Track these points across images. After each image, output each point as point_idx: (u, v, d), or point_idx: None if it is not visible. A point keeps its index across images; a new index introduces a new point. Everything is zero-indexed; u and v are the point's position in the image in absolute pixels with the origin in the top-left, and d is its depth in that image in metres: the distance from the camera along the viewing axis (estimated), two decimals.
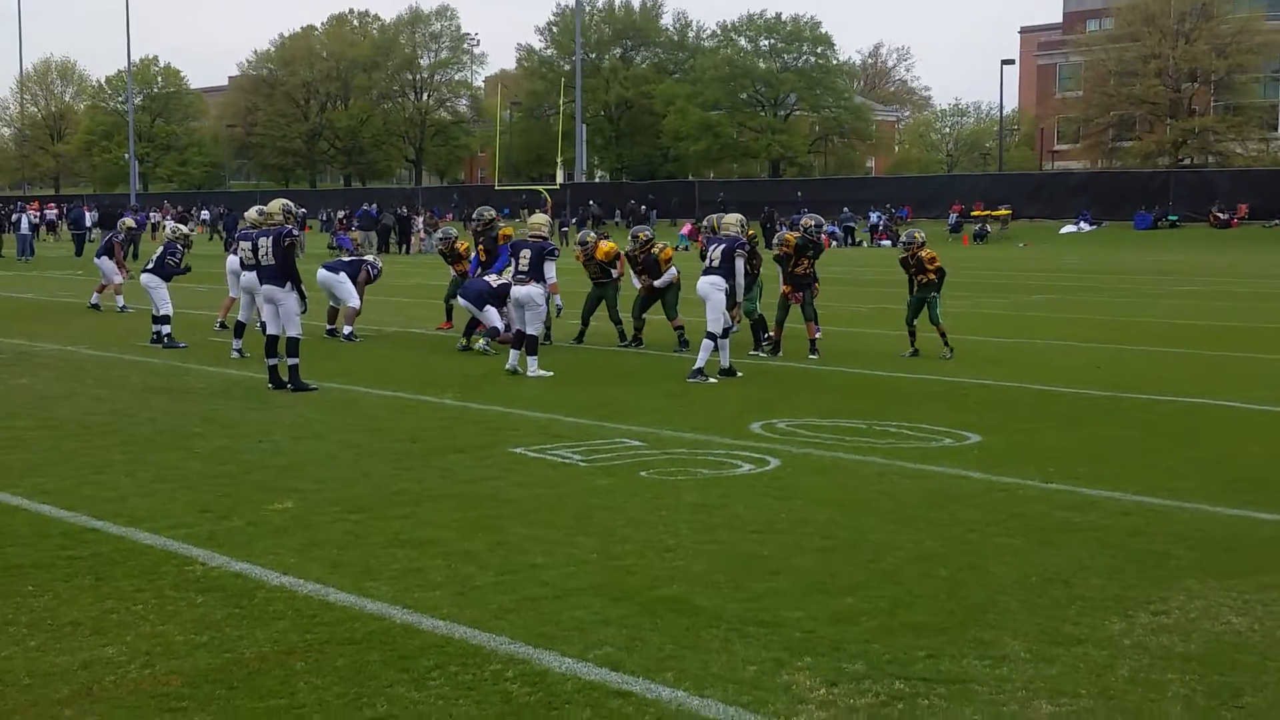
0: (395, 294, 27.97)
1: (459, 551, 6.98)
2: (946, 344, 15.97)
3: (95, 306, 22.84)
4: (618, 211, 72.29)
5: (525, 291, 14.24)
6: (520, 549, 7.04)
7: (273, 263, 13.23)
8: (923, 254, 16.16)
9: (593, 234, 18.35)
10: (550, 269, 14.29)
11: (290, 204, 13.80)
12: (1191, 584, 6.45)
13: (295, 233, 13.42)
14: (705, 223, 17.19)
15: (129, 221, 26.42)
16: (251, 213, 15.96)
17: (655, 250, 16.91)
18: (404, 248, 51.77)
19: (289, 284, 13.17)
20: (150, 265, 17.85)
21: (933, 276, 16.11)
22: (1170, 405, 12.43)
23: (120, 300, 22.44)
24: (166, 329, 17.04)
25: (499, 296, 15.85)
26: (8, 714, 4.81)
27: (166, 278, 17.50)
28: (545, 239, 14.65)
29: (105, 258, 22.64)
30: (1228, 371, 14.97)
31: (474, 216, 18.64)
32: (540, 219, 15.16)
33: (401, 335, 18.99)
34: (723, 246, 14.22)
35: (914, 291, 16.28)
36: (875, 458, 9.67)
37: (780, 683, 5.12)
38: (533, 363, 14.15)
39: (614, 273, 17.27)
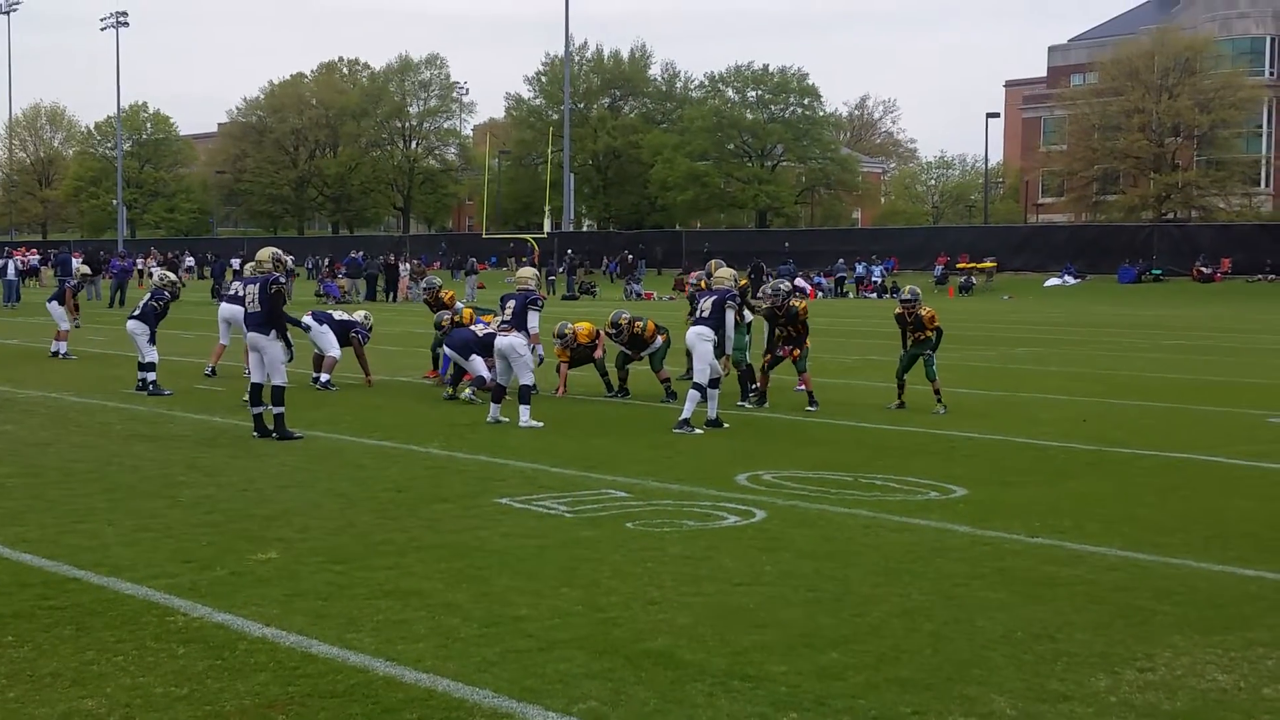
0: (382, 342, 27.93)
1: (443, 603, 6.94)
2: (940, 400, 15.87)
3: (55, 354, 22.66)
4: (605, 259, 72.48)
5: (508, 342, 14.28)
6: (505, 600, 7.00)
7: (258, 309, 13.22)
8: (922, 312, 16.09)
9: (570, 326, 17.36)
10: (534, 319, 14.33)
11: (279, 252, 13.84)
12: (1177, 640, 6.44)
13: (281, 280, 13.42)
14: (694, 277, 17.15)
15: (83, 268, 26.50)
16: (263, 254, 16.26)
17: (638, 330, 16.89)
18: (391, 295, 51.80)
19: (274, 332, 13.15)
20: (136, 312, 17.79)
21: (930, 334, 16.06)
22: (1155, 460, 12.45)
23: (62, 346, 22.55)
24: (151, 376, 17.00)
25: (485, 346, 15.85)
26: None
27: (151, 325, 17.44)
28: (530, 290, 14.65)
29: (55, 303, 22.77)
30: (1212, 426, 15.01)
31: (424, 286, 19.69)
32: (527, 272, 15.15)
33: (387, 383, 18.96)
34: (713, 299, 14.29)
35: (907, 346, 16.24)
36: (861, 510, 9.66)
37: None
38: (524, 412, 14.14)
39: (596, 355, 17.17)
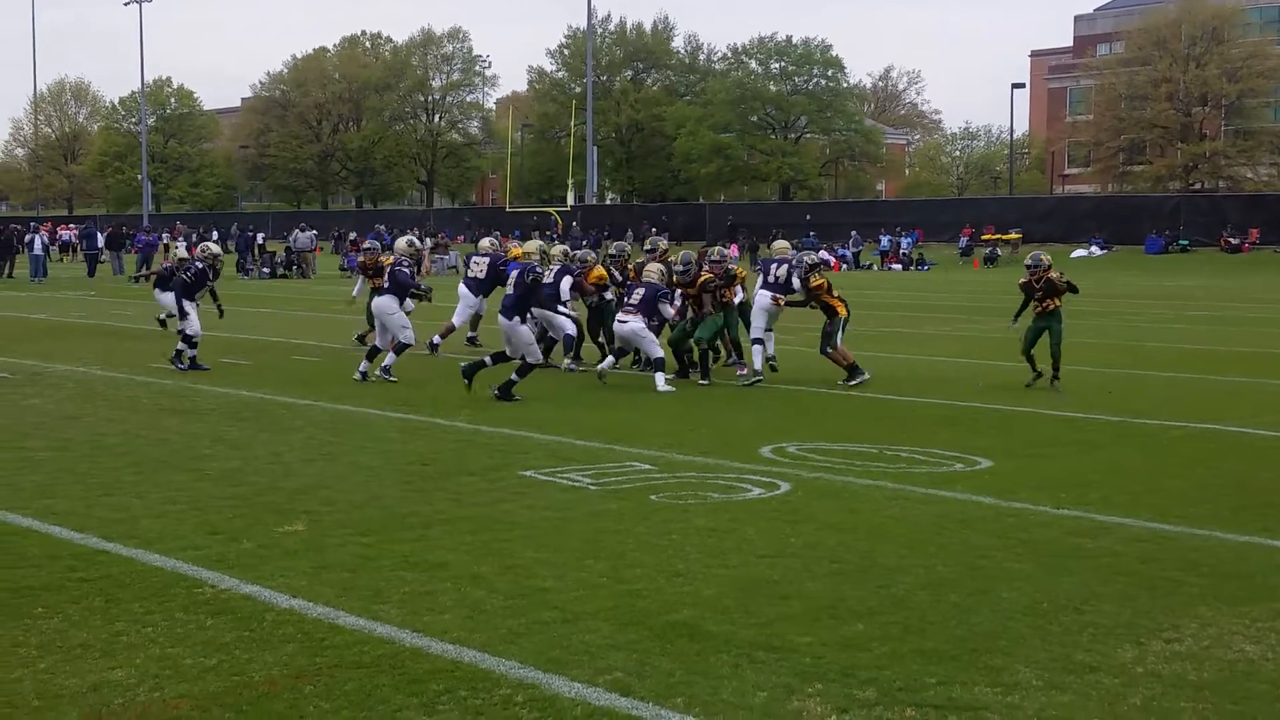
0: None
1: (469, 575, 6.97)
2: (1057, 378, 15.30)
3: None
4: (630, 233, 72.39)
5: (630, 329, 15.39)
6: (530, 573, 7.03)
7: (510, 293, 14.32)
8: (1054, 275, 15.48)
9: (591, 254, 18.49)
10: (565, 286, 15.83)
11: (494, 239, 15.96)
12: (1204, 611, 6.42)
13: (539, 270, 14.67)
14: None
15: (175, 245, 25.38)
16: (401, 243, 17.31)
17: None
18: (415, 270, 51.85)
19: (517, 318, 14.12)
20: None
21: (1059, 302, 15.49)
22: (1182, 430, 12.39)
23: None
24: (185, 349, 16.73)
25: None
26: None
27: (179, 295, 17.11)
28: (533, 265, 15.03)
29: (158, 290, 22.33)
30: (1239, 397, 14.93)
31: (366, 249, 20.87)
32: (530, 245, 16.32)
33: (412, 357, 18.97)
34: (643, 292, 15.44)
35: (1033, 318, 15.64)
36: (886, 482, 9.65)
37: (790, 709, 5.10)
38: (660, 379, 15.01)
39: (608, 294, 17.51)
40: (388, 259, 19.60)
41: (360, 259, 20.86)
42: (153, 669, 5.49)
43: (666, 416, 13.10)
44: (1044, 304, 15.54)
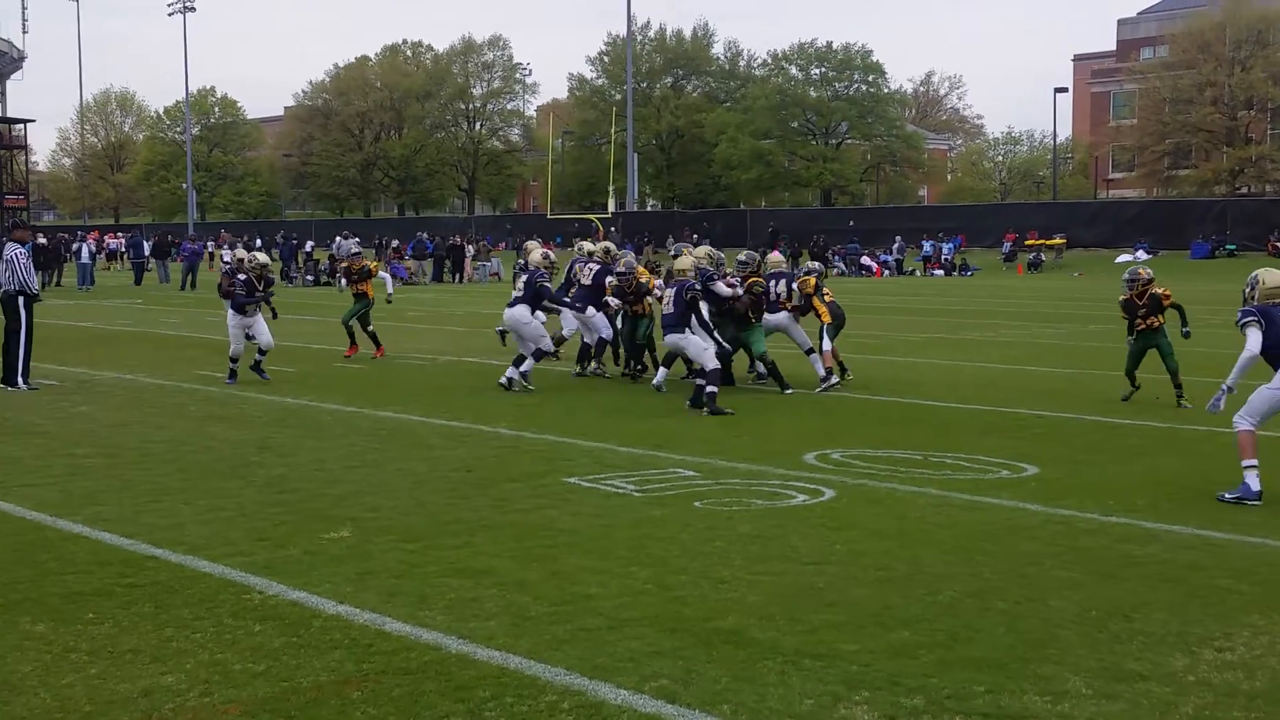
0: (448, 322, 28.14)
1: (514, 581, 6.98)
2: (1181, 395, 14.30)
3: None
4: (670, 239, 72.40)
5: (674, 340, 14.70)
6: (575, 579, 7.03)
7: (671, 311, 14.41)
8: (1158, 290, 14.35)
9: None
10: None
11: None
12: (1256, 620, 6.35)
13: (696, 288, 14.54)
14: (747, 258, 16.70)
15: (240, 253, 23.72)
16: (535, 255, 16.55)
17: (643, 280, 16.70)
18: (457, 277, 52.04)
19: (686, 330, 14.38)
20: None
21: (1163, 320, 14.49)
22: (1230, 437, 12.22)
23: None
24: (233, 364, 16.31)
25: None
26: None
27: (239, 308, 16.50)
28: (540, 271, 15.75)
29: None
30: None
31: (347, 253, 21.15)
32: (535, 256, 16.39)
33: (455, 364, 19.07)
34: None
35: (1136, 337, 14.59)
36: (931, 489, 9.60)
37: (837, 717, 5.08)
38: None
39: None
40: (374, 264, 20.14)
41: (345, 263, 20.61)
42: (202, 674, 5.53)
43: (709, 423, 13.08)
44: (1147, 321, 14.48)
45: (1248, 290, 9.78)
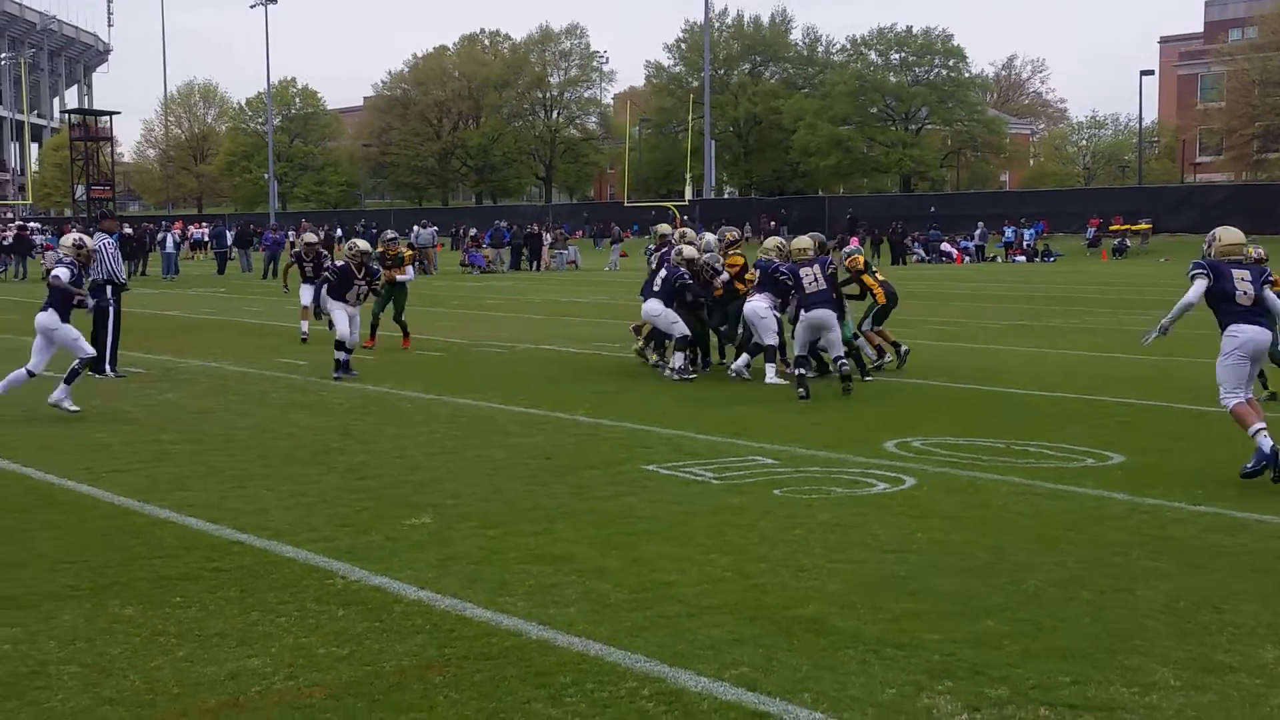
0: (525, 310, 28.27)
1: (593, 568, 6.99)
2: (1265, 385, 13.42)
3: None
4: (748, 226, 72.23)
5: (750, 307, 14.93)
6: (654, 566, 7.03)
7: (823, 288, 14.10)
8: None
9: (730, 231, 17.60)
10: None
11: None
12: None
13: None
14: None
15: (309, 237, 22.64)
16: (689, 251, 15.91)
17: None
18: (534, 265, 52.27)
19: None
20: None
21: None
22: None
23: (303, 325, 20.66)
24: (339, 355, 15.55)
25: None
26: None
27: (337, 297, 15.81)
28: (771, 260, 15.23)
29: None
30: None
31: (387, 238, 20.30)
32: (689, 251, 15.91)
33: (533, 352, 19.15)
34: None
35: None
36: (1014, 477, 9.49)
37: (920, 706, 5.03)
38: (770, 370, 14.94)
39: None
40: (409, 252, 20.00)
41: (379, 249, 19.65)
42: (287, 658, 5.59)
43: (788, 410, 13.02)
44: None
45: (1205, 246, 9.92)
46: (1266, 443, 9.11)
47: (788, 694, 5.15)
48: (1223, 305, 9.58)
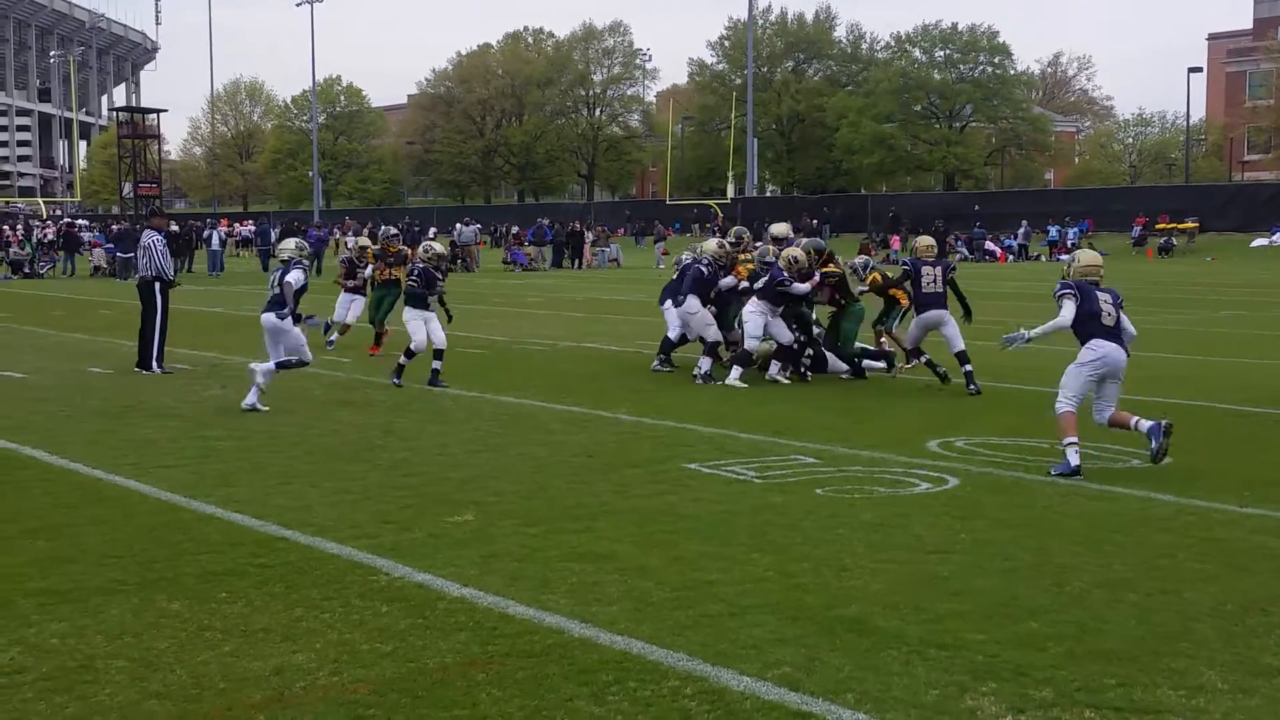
0: (567, 308, 28.31)
1: (635, 566, 7.00)
2: None
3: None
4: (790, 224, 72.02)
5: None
6: (696, 565, 7.03)
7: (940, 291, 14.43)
8: None
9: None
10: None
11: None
12: None
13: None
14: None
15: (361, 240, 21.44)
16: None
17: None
18: (576, 263, 52.35)
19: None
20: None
21: None
22: None
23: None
24: (435, 364, 14.72)
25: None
26: (205, 717, 4.97)
27: (419, 305, 14.75)
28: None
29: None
30: None
31: (384, 236, 19.39)
32: (710, 245, 15.96)
33: (574, 350, 19.17)
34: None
35: None
36: (1059, 478, 9.42)
37: (965, 708, 5.01)
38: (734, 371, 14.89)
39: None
40: (411, 251, 18.22)
41: (379, 245, 18.79)
42: (331, 654, 5.63)
43: (830, 410, 12.99)
44: None
45: (1066, 267, 10.37)
46: (1075, 459, 9.58)
47: (830, 694, 5.14)
48: (1088, 324, 10.02)
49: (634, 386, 14.72)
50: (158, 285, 16.36)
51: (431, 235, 54.38)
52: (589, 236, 54.97)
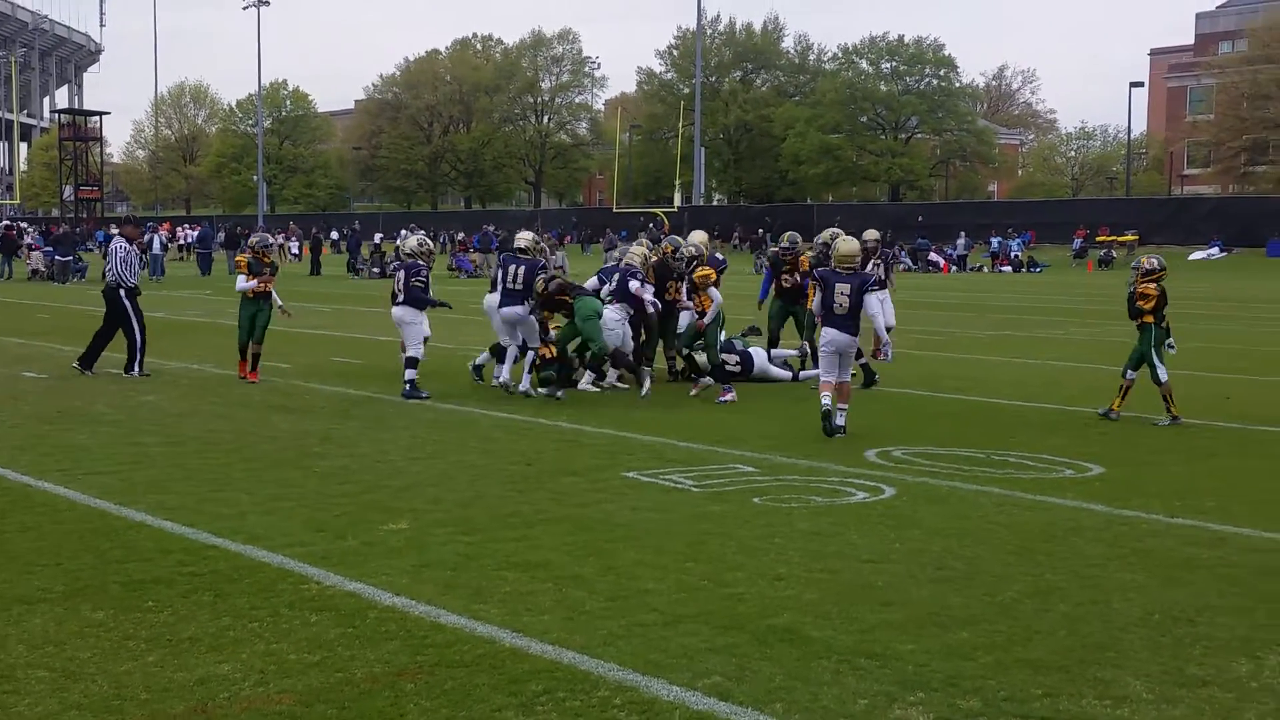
0: None
1: (570, 575, 6.97)
2: (1169, 409, 12.87)
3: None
4: (735, 235, 72.31)
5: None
6: (631, 574, 7.01)
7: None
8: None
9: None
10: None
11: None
12: None
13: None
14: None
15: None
16: (638, 250, 15.46)
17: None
18: None
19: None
20: (400, 297, 14.48)
21: (1150, 318, 13.01)
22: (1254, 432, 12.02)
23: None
24: (410, 374, 14.27)
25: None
26: None
27: (420, 308, 14.49)
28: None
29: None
30: None
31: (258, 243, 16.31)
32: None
33: None
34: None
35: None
36: (993, 488, 9.48)
37: (893, 718, 5.02)
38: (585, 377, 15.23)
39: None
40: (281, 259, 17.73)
41: (251, 254, 15.91)
42: (258, 664, 5.56)
43: (770, 419, 13.02)
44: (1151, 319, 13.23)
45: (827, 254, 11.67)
46: (825, 401, 11.62)
47: (760, 704, 5.14)
48: (824, 312, 11.85)
49: (575, 395, 14.68)
50: (122, 292, 16.32)
51: (413, 231, 54.42)
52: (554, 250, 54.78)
